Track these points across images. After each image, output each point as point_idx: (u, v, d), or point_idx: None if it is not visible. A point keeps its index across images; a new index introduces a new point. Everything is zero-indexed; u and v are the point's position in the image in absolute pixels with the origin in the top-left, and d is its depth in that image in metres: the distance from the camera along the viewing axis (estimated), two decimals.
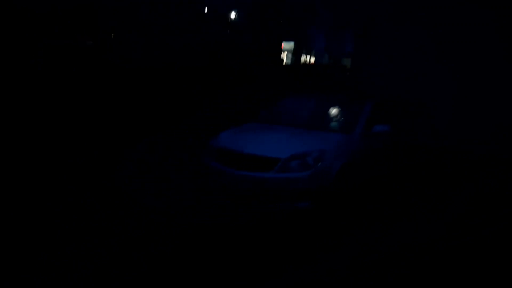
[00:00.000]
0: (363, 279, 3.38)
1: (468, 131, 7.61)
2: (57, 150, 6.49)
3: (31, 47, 11.26)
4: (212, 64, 12.84)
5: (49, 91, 8.82)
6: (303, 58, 28.07)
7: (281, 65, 18.71)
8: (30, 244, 3.85)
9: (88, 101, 8.36)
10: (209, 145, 5.19)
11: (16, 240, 3.90)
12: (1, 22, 11.46)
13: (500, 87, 8.42)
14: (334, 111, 6.09)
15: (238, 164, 4.68)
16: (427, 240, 4.15)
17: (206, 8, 18.54)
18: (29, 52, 11.11)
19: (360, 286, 3.33)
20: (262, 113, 6.14)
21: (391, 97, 6.80)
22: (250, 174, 4.59)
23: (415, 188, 5.64)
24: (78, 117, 7.76)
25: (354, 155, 5.11)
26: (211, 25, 17.25)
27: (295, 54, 26.52)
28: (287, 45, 25.11)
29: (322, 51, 26.91)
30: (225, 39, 17.51)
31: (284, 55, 25.30)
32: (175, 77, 10.28)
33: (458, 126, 7.66)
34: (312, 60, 28.43)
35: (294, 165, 4.60)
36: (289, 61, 25.97)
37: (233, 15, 20.62)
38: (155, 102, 8.56)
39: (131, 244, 3.97)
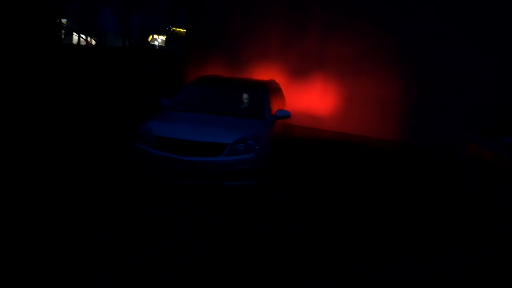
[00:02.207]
0: None
1: None
2: None
3: None
4: None
5: None
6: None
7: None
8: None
9: None
10: (141, 133, 5.58)
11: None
12: None
13: None
14: (244, 98, 6.93)
15: (185, 151, 5.20)
16: None
17: None
18: None
19: None
20: (168, 102, 6.52)
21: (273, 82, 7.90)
22: (200, 159, 5.17)
23: None
24: None
25: (271, 137, 6.00)
26: None
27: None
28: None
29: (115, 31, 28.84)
30: None
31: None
32: None
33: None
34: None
35: (240, 149, 5.30)
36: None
37: None
38: None
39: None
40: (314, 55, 11.52)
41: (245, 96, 6.99)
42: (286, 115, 6.40)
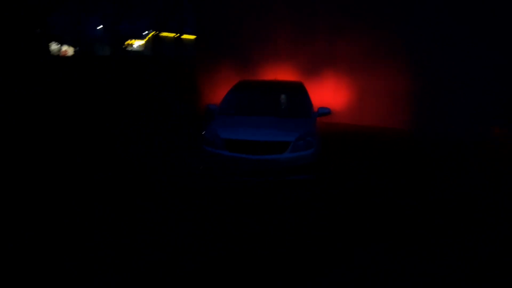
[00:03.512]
0: None
1: None
2: None
3: None
4: None
5: None
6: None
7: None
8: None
9: None
10: (207, 137, 5.95)
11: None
12: None
13: None
14: (286, 99, 7.32)
15: (253, 150, 5.61)
16: None
17: None
18: None
19: None
20: (215, 107, 6.95)
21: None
22: (268, 157, 5.61)
23: None
24: None
25: (319, 133, 6.36)
26: None
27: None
28: None
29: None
30: None
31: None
32: None
33: None
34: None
35: (301, 145, 5.76)
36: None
37: None
38: None
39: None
40: (325, 54, 12.05)
41: (286, 97, 7.37)
42: (327, 112, 6.87)
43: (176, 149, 7.82)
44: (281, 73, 11.64)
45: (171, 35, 37.82)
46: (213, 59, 13.35)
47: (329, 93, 11.92)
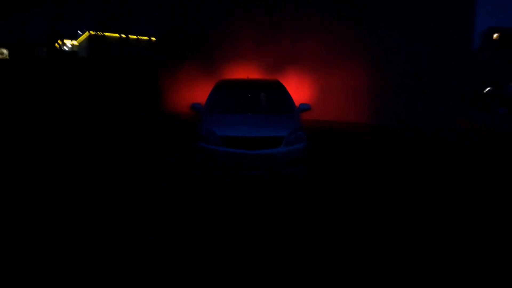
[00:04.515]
0: None
1: None
2: None
3: None
4: None
5: None
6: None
7: None
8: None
9: None
10: (203, 134, 6.14)
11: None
12: None
13: None
14: (268, 97, 7.62)
15: (249, 146, 5.88)
16: None
17: None
18: None
19: None
20: (199, 106, 7.15)
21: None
22: (264, 152, 5.90)
23: None
24: None
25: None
26: None
27: None
28: None
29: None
30: None
31: None
32: None
33: None
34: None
35: (293, 139, 6.09)
36: None
37: None
38: None
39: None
40: (288, 53, 12.74)
41: (269, 94, 7.69)
42: (308, 108, 7.23)
43: (170, 147, 7.84)
44: (246, 71, 11.82)
45: (116, 35, 36.22)
46: (176, 59, 13.56)
47: (291, 91, 12.30)
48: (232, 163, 5.86)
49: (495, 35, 34.95)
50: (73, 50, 43.58)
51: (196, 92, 10.83)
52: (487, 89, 15.04)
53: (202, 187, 5.72)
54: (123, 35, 36.01)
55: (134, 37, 36.69)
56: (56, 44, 34.24)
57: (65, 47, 43.62)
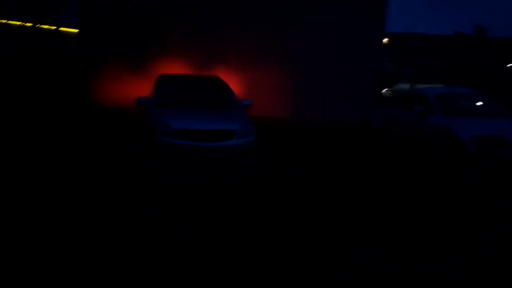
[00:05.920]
0: None
1: None
2: None
3: None
4: None
5: None
6: None
7: None
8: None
9: None
10: (160, 127, 6.33)
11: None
12: None
13: None
14: (212, 91, 7.95)
15: (204, 138, 6.19)
16: None
17: None
18: None
19: None
20: (145, 100, 7.24)
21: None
22: (219, 144, 6.24)
23: None
24: None
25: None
26: None
27: None
28: None
29: None
30: None
31: None
32: None
33: None
34: None
35: (244, 132, 6.49)
36: None
37: None
38: None
39: None
40: (217, 50, 12.90)
41: (213, 89, 8.03)
42: (250, 103, 7.70)
43: (128, 141, 7.57)
44: (175, 67, 11.49)
45: (45, 27, 34.72)
46: (100, 52, 13.46)
47: None
48: (190, 155, 6.03)
49: (385, 40, 35.70)
50: None
51: (124, 88, 10.43)
52: (384, 90, 16.98)
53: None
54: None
55: (68, 29, 34.25)
56: None
57: None
